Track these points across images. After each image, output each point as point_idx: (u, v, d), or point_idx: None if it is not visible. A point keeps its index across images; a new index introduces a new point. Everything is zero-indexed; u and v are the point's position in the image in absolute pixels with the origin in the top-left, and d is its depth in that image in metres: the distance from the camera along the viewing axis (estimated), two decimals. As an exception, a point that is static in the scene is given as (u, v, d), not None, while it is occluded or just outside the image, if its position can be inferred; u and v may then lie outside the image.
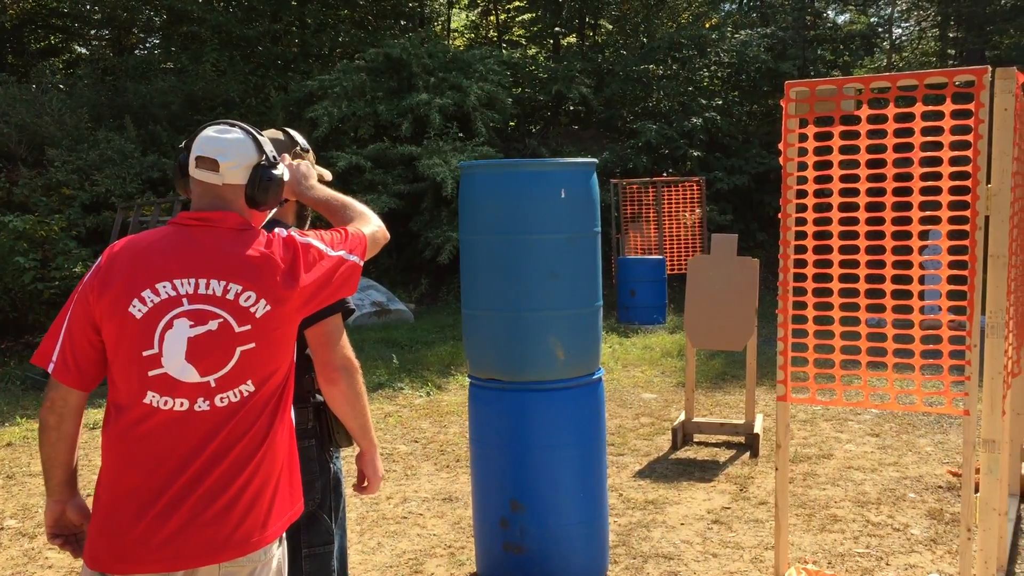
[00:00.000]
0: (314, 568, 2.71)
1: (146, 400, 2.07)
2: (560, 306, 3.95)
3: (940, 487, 5.42)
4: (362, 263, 2.31)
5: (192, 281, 2.09)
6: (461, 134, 14.17)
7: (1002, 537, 4.02)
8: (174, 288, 2.08)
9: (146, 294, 2.08)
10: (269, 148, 2.26)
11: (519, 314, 3.92)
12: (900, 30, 21.48)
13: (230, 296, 2.09)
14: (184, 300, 2.08)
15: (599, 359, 4.17)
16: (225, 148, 2.18)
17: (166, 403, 2.06)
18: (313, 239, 2.24)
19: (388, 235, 2.50)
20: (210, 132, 2.22)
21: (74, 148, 12.84)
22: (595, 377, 4.11)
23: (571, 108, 18.16)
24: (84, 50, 19.39)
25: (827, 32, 19.34)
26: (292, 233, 2.21)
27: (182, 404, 2.06)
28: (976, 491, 3.60)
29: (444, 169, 13.05)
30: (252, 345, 2.09)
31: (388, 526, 4.96)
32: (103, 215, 12.13)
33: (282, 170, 2.28)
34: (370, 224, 2.43)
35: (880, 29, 20.41)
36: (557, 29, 19.40)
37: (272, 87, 16.24)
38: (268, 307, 2.10)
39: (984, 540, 3.48)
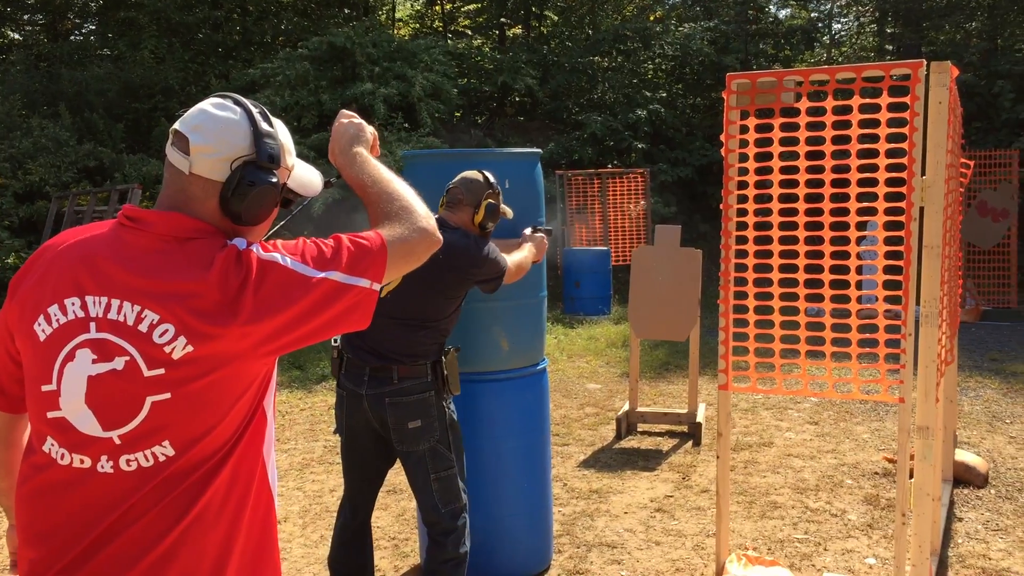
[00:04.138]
0: (442, 488, 3.33)
1: (45, 448, 1.60)
2: (504, 297, 3.93)
3: (876, 473, 5.54)
4: (377, 287, 1.68)
5: (103, 301, 1.57)
6: (406, 125, 14.06)
7: (935, 522, 4.11)
8: (83, 307, 1.58)
9: (53, 310, 1.59)
10: (272, 143, 1.68)
11: (465, 305, 3.90)
12: (839, 25, 21.85)
13: (142, 327, 1.54)
14: (91, 325, 1.56)
15: (543, 350, 4.18)
16: (205, 125, 1.65)
17: (63, 457, 1.58)
18: (282, 255, 1.62)
19: (439, 238, 1.80)
20: (203, 103, 1.70)
21: (6, 136, 12.47)
22: (539, 368, 4.11)
23: (517, 99, 18.15)
24: (17, 35, 18.81)
25: (769, 26, 19.59)
26: (253, 248, 1.62)
27: (83, 461, 1.57)
28: (910, 477, 3.68)
29: (388, 160, 12.91)
30: (167, 396, 1.55)
31: (331, 519, 4.91)
32: (37, 205, 11.81)
33: (279, 178, 1.72)
34: (405, 225, 1.74)
35: (820, 24, 20.72)
36: (503, 20, 19.35)
37: (213, 75, 15.93)
38: (189, 347, 1.54)
39: (918, 525, 3.55)
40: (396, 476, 5.59)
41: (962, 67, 15.30)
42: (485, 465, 3.95)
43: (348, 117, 1.93)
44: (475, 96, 16.94)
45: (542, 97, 17.30)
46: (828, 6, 20.92)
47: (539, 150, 4.18)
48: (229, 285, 1.56)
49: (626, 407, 6.77)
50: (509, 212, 3.64)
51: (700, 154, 16.51)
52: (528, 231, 3.85)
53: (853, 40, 21.31)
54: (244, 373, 1.60)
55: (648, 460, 5.95)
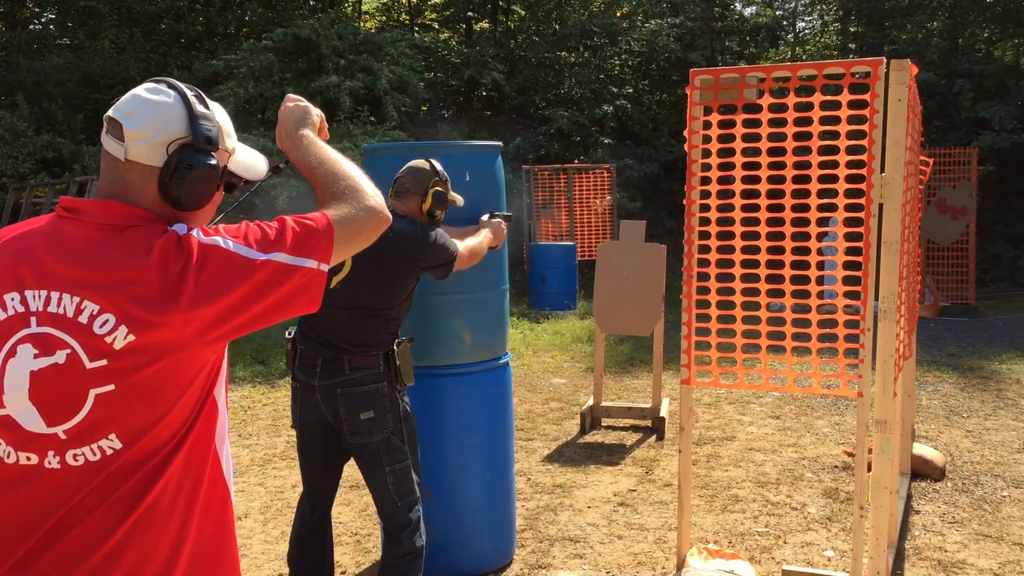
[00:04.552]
0: (397, 480, 3.30)
1: None
2: (467, 289, 3.92)
3: (836, 467, 5.60)
4: (325, 267, 1.64)
5: (43, 294, 1.53)
6: (372, 118, 13.97)
7: (893, 514, 4.17)
8: (23, 302, 1.54)
9: None
10: (209, 124, 1.65)
11: (425, 298, 3.87)
12: (804, 23, 22.05)
13: (82, 319, 1.51)
14: (32, 319, 1.53)
15: (506, 343, 4.17)
16: (139, 111, 1.61)
17: (9, 455, 1.54)
18: (224, 238, 1.58)
19: (387, 216, 1.76)
20: (136, 89, 1.66)
21: (-38, 127, 12.25)
22: (502, 361, 4.10)
23: (484, 94, 18.12)
24: (-27, 24, 18.44)
25: (734, 24, 19.72)
26: (194, 233, 1.58)
27: (29, 459, 1.53)
28: (869, 470, 3.72)
29: (354, 153, 12.83)
30: (111, 387, 1.52)
31: (292, 515, 4.87)
32: (-7, 196, 11.61)
33: (219, 160, 1.68)
34: (352, 205, 1.71)
35: (785, 22, 20.91)
36: (470, 14, 19.29)
37: (175, 66, 15.72)
38: (131, 336, 1.50)
39: (875, 518, 3.59)
40: (358, 471, 5.55)
41: (923, 66, 15.48)
42: (447, 459, 3.93)
43: (294, 101, 1.91)
44: (442, 90, 16.89)
45: (509, 92, 17.29)
46: (792, 4, 21.11)
47: (499, 143, 4.16)
48: (169, 271, 1.52)
49: (590, 402, 6.79)
50: (459, 200, 3.62)
51: (666, 150, 16.59)
52: (485, 217, 3.84)
53: (817, 38, 21.52)
54: (191, 361, 1.56)
55: (612, 454, 5.97)
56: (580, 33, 17.53)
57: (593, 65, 18.03)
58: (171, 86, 1.66)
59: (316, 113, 1.90)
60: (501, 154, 4.12)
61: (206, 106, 1.67)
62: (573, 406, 7.28)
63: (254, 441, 6.40)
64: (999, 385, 7.80)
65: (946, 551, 4.29)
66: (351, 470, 5.65)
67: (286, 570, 3.90)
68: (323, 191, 1.75)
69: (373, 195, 1.75)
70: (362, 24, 18.96)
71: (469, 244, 3.57)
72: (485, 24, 19.81)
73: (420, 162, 3.51)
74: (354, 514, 4.89)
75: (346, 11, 18.65)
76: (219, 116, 1.72)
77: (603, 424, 6.73)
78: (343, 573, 4.21)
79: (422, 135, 15.02)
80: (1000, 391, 7.58)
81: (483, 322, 4.00)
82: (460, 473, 3.96)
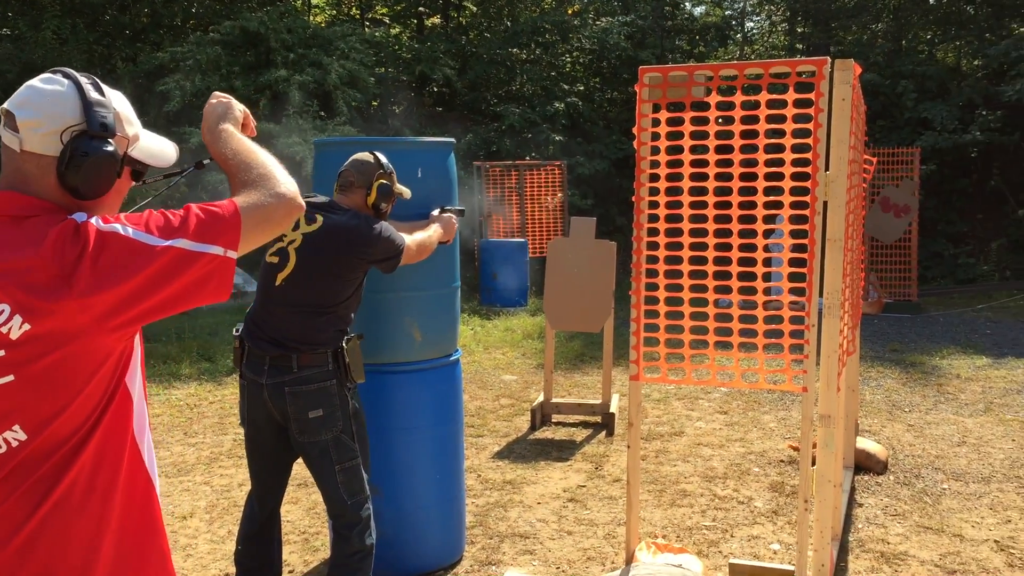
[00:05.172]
0: (347, 478, 3.29)
1: None
2: (417, 287, 3.91)
3: (782, 461, 5.68)
4: (233, 254, 1.62)
5: None
6: (322, 113, 13.85)
7: (837, 507, 4.24)
8: None
9: None
10: (104, 111, 1.64)
11: (375, 295, 3.85)
12: (752, 23, 22.33)
13: None
14: None
15: (457, 340, 4.16)
16: (32, 100, 1.60)
17: None
18: (123, 225, 1.56)
19: (300, 204, 1.75)
20: (31, 80, 1.66)
21: None
22: (452, 359, 4.09)
23: (435, 90, 18.05)
24: (-92, 11, 17.89)
25: (684, 23, 19.89)
26: (92, 220, 1.56)
27: None
28: (813, 464, 3.78)
29: (303, 148, 12.73)
30: (10, 378, 1.51)
31: (239, 514, 4.81)
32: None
33: (117, 146, 1.66)
34: (262, 191, 1.70)
35: (734, 22, 21.14)
36: (421, 9, 19.21)
37: (119, 58, 15.44)
38: (27, 326, 1.49)
39: (820, 511, 3.65)
40: (306, 469, 5.50)
41: (867, 67, 15.80)
42: (397, 457, 3.91)
43: (217, 98, 1.91)
44: (393, 85, 16.77)
45: (460, 88, 17.25)
46: (741, 4, 21.36)
47: (452, 139, 4.14)
48: (65, 258, 1.51)
49: (541, 398, 6.80)
50: (406, 192, 3.61)
51: (617, 147, 16.68)
52: (436, 211, 3.83)
53: (765, 38, 21.80)
54: (93, 349, 1.55)
55: (562, 450, 5.99)
56: (531, 30, 17.56)
57: (544, 62, 18.08)
58: (66, 75, 1.65)
59: (239, 109, 1.92)
60: (453, 151, 4.10)
61: (102, 93, 1.66)
62: (523, 403, 7.29)
63: (200, 439, 6.30)
64: (939, 380, 7.98)
65: (888, 543, 4.38)
66: (299, 468, 5.60)
67: (233, 570, 3.84)
68: (235, 180, 1.74)
69: (285, 182, 1.73)
70: (312, 18, 18.78)
71: (417, 238, 3.54)
72: (436, 19, 19.73)
73: (364, 155, 3.48)
74: (302, 512, 4.84)
75: (295, 4, 18.45)
76: (117, 103, 1.71)
77: (553, 420, 6.75)
78: (291, 572, 4.16)
79: (373, 130, 14.92)
80: (940, 386, 7.75)
81: (434, 319, 3.98)
82: (410, 471, 3.94)
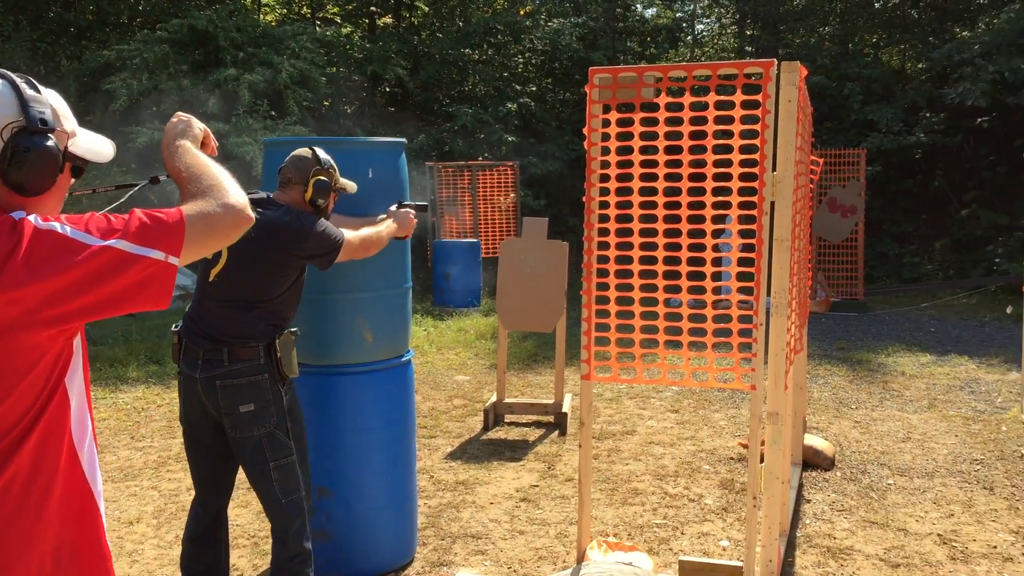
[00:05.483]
0: (282, 477, 3.23)
1: None
2: (368, 288, 3.89)
3: (732, 458, 5.75)
4: (175, 260, 1.61)
5: None
6: (273, 112, 13.71)
7: (785, 504, 4.30)
8: None
9: None
10: (41, 107, 1.66)
11: (326, 296, 3.82)
12: (702, 26, 22.57)
13: None
14: None
15: (408, 341, 4.14)
16: None
17: None
18: (62, 224, 1.56)
19: (249, 216, 1.75)
20: None
21: None
22: (404, 359, 4.07)
23: (387, 90, 17.97)
24: None
25: (636, 25, 20.05)
26: (30, 218, 1.57)
27: None
28: (762, 461, 3.83)
29: (254, 148, 12.59)
30: None
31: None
32: None
33: (57, 141, 1.66)
34: (209, 201, 1.70)
35: (684, 24, 21.35)
36: (373, 9, 19.10)
37: (64, 55, 15.13)
38: None
39: (768, 507, 3.70)
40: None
41: (815, 69, 16.06)
42: (348, 458, 3.88)
43: (179, 117, 1.95)
44: (344, 85, 16.66)
45: (413, 88, 17.19)
46: (691, 7, 21.57)
47: (403, 139, 4.13)
48: None
49: (493, 398, 6.80)
50: (350, 186, 3.58)
51: (570, 148, 16.75)
52: (393, 207, 3.81)
53: (715, 41, 22.05)
54: (26, 346, 1.53)
55: (515, 450, 5.99)
56: (484, 31, 17.57)
57: (497, 63, 18.10)
58: (2, 75, 1.64)
59: (199, 127, 1.94)
60: (405, 151, 4.08)
61: (37, 90, 1.67)
62: (476, 403, 7.28)
63: (148, 443, 6.20)
64: (885, 377, 8.14)
65: (835, 538, 4.45)
66: (249, 472, 5.52)
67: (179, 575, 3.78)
68: (185, 191, 1.75)
69: (234, 194, 1.74)
70: (262, 17, 18.56)
71: (362, 233, 3.51)
72: (388, 19, 19.64)
73: (303, 150, 3.45)
74: (252, 516, 4.78)
75: (245, 3, 18.22)
76: (52, 99, 1.71)
77: (506, 420, 6.75)
78: (240, 577, 4.11)
79: (325, 130, 14.80)
80: (886, 383, 7.90)
81: (385, 320, 3.96)
82: (361, 472, 3.91)
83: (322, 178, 3.39)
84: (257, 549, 4.39)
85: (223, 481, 3.47)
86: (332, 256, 3.35)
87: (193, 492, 3.51)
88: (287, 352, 3.30)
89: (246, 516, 4.78)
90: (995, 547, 4.32)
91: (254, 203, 3.31)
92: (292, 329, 3.38)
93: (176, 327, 3.34)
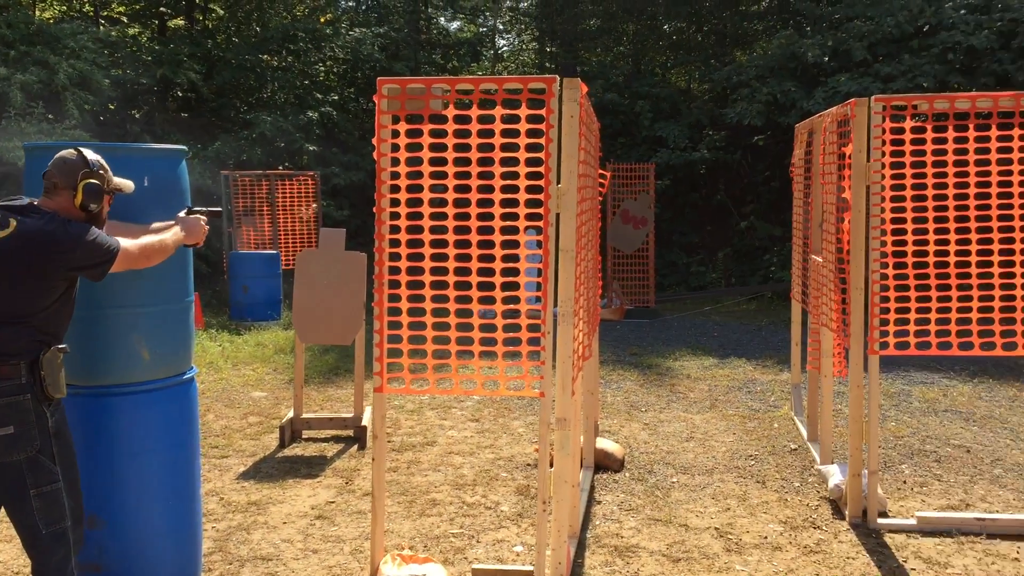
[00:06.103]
0: (45, 505, 3.02)
1: None
2: (145, 303, 3.68)
3: (529, 465, 5.86)
4: None
5: None
6: (49, 115, 12.79)
7: (574, 507, 4.42)
8: None
9: None
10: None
11: (99, 311, 3.58)
12: (504, 41, 23.05)
13: None
14: None
15: (191, 358, 3.95)
16: None
17: None
18: None
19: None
20: None
21: None
22: (186, 377, 3.88)
23: (180, 94, 17.20)
24: None
25: (439, 37, 20.22)
26: None
27: None
28: (551, 466, 3.92)
29: (15, 153, 11.69)
30: None
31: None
32: None
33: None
34: None
35: (486, 39, 21.72)
36: (163, 9, 18.22)
37: None
38: None
39: (558, 511, 3.79)
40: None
41: (609, 87, 16.76)
42: (123, 485, 3.65)
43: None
44: (132, 89, 15.80)
45: (207, 93, 16.54)
46: (493, 22, 21.99)
47: (183, 147, 3.94)
48: None
49: (290, 414, 6.62)
50: (127, 186, 3.38)
51: (373, 159, 16.58)
52: (182, 213, 3.62)
53: (516, 56, 22.56)
54: None
55: (312, 467, 5.85)
56: (283, 36, 17.16)
57: (297, 70, 17.73)
58: None
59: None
60: (193, 159, 3.90)
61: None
62: (273, 419, 7.07)
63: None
64: (672, 380, 8.56)
65: (622, 537, 4.62)
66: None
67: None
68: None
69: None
70: (38, 13, 17.31)
71: (142, 242, 3.31)
72: (180, 21, 18.81)
73: (68, 152, 3.21)
74: (17, 551, 4.41)
75: (19, -3, 16.95)
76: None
77: (304, 436, 6.59)
78: (2, 619, 3.78)
79: (109, 136, 13.99)
80: (673, 386, 8.32)
81: (164, 336, 3.75)
82: (138, 499, 3.68)
83: (92, 181, 3.17)
84: (23, 587, 4.05)
85: None
86: (105, 267, 3.14)
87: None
88: (53, 370, 3.07)
89: (10, 551, 4.41)
90: (766, 537, 4.63)
91: (12, 210, 3.07)
92: (60, 346, 3.15)
93: None
